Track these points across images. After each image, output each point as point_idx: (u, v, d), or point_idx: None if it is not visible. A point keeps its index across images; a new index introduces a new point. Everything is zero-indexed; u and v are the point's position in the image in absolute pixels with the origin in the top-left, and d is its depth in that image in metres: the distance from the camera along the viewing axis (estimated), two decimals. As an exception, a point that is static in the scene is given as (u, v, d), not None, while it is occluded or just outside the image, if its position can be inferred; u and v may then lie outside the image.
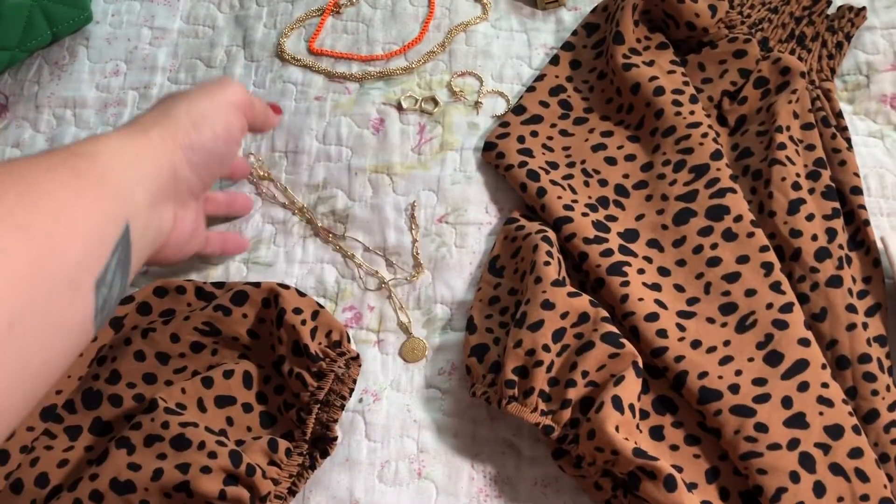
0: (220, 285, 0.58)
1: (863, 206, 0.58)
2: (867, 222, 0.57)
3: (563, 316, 0.52)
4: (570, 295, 0.53)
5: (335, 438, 0.53)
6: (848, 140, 0.61)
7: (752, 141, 0.62)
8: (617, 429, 0.48)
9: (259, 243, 0.62)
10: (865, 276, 0.56)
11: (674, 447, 0.52)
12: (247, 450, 0.51)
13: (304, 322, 0.53)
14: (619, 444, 0.47)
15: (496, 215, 0.62)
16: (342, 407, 0.53)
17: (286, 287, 0.54)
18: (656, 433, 0.52)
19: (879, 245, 0.57)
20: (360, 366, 0.55)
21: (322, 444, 0.53)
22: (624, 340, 0.52)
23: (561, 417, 0.50)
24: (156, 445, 0.50)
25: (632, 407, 0.50)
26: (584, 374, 0.51)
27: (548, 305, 0.52)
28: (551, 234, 0.57)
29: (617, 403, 0.49)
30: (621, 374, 0.50)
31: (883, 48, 0.66)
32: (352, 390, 0.54)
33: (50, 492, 0.51)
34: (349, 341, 0.55)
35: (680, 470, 0.50)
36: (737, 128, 0.64)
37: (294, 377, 0.53)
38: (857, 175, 0.59)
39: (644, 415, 0.53)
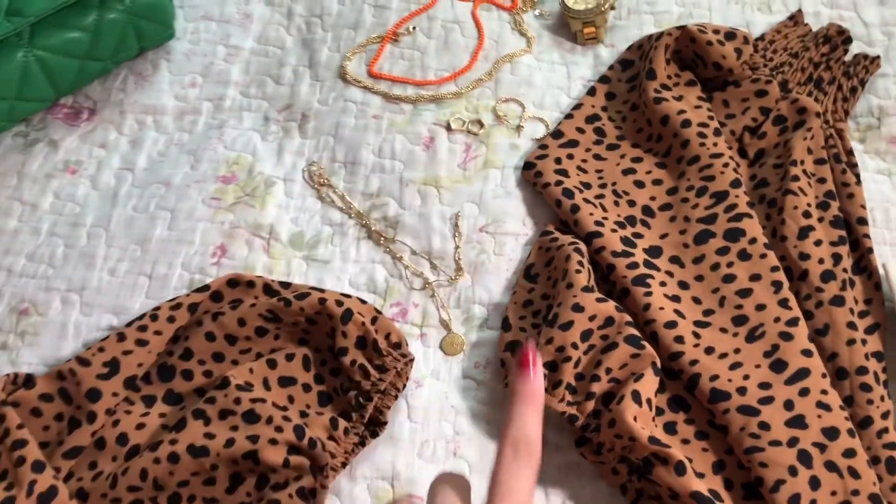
0: (286, 285, 0.64)
1: (867, 236, 0.64)
2: (871, 250, 0.63)
3: (591, 318, 0.59)
4: (598, 300, 0.59)
5: (386, 422, 0.59)
6: (857, 175, 0.67)
7: (769, 173, 0.68)
8: (635, 419, 0.54)
9: (318, 242, 0.69)
10: (867, 298, 0.62)
11: (685, 441, 0.58)
12: (310, 424, 0.57)
13: (371, 322, 0.60)
14: (636, 432, 0.53)
15: (532, 228, 0.68)
16: (396, 397, 0.60)
17: (348, 296, 0.61)
18: (670, 428, 0.58)
19: (881, 271, 0.62)
20: (412, 365, 0.61)
21: (373, 425, 0.60)
22: (645, 343, 0.58)
23: (585, 408, 0.56)
24: (229, 419, 0.57)
25: (649, 401, 0.56)
26: (608, 370, 0.57)
27: (578, 308, 0.59)
28: (582, 247, 0.63)
29: (636, 397, 0.55)
30: (641, 373, 0.56)
31: (895, 94, 0.72)
32: (405, 385, 0.60)
33: (129, 450, 0.58)
34: (408, 345, 0.62)
35: (690, 461, 0.56)
36: (756, 160, 0.70)
37: (357, 367, 0.59)
38: (863, 207, 0.65)
39: (659, 412, 0.59)
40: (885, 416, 0.57)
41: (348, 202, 0.71)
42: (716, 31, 0.72)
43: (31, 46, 0.69)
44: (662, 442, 0.53)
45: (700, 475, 0.56)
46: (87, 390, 0.59)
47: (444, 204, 0.70)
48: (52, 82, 0.72)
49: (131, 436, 0.59)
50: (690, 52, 0.72)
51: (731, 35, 0.72)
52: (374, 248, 0.68)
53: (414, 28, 0.80)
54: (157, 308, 0.63)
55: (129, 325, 0.62)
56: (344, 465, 0.58)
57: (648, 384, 0.56)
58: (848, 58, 0.74)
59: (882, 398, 0.58)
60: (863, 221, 0.65)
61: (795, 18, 0.76)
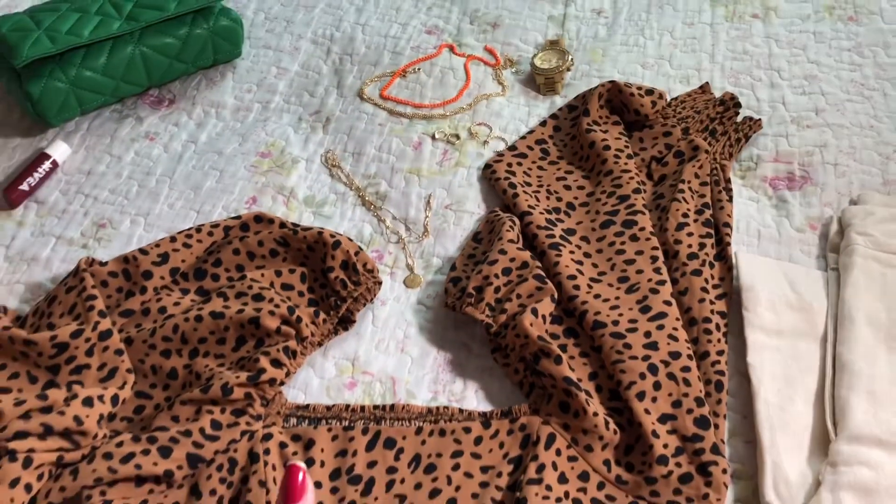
0: (296, 225, 0.87)
1: (729, 235, 0.86)
2: (729, 244, 0.85)
3: (511, 260, 0.80)
4: (519, 249, 0.81)
5: (354, 321, 0.81)
6: (730, 196, 0.89)
7: (667, 190, 0.91)
8: (531, 325, 0.75)
9: (324, 203, 0.92)
10: (721, 276, 0.83)
11: (572, 357, 0.78)
12: (300, 311, 0.78)
13: (353, 253, 0.82)
14: (529, 332, 0.74)
15: (484, 209, 0.91)
16: (364, 305, 0.81)
17: (340, 234, 0.83)
18: (562, 348, 0.78)
19: (734, 259, 0.84)
20: (380, 287, 0.83)
21: (345, 323, 0.81)
22: (548, 280, 0.79)
23: (498, 320, 0.77)
24: (242, 297, 0.79)
25: (544, 317, 0.77)
26: (518, 296, 0.78)
27: (502, 252, 0.81)
28: (516, 220, 0.86)
29: (534, 312, 0.76)
30: (542, 299, 0.78)
31: (769, 147, 0.95)
32: (372, 299, 0.82)
33: (166, 317, 0.79)
34: (378, 272, 0.84)
35: (573, 370, 0.76)
36: (658, 182, 0.93)
37: (338, 280, 0.81)
38: (730, 216, 0.87)
39: (556, 337, 0.79)
40: (719, 353, 0.77)
41: (351, 179, 0.94)
42: (638, 87, 0.96)
43: (139, 43, 0.96)
44: (547, 340, 0.74)
45: (578, 380, 0.76)
46: (143, 271, 0.81)
47: (422, 187, 0.93)
48: (148, 73, 0.99)
49: (169, 309, 0.80)
50: (618, 100, 0.96)
51: (649, 91, 0.96)
52: (365, 212, 0.92)
53: (419, 69, 1.06)
54: (202, 225, 0.85)
55: (179, 232, 0.85)
56: (320, 344, 0.79)
57: (546, 306, 0.77)
58: (739, 119, 0.98)
59: (719, 340, 0.78)
60: (728, 226, 0.87)
61: (703, 88, 1.01)
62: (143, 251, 0.83)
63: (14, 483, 0.66)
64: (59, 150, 0.95)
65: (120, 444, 0.70)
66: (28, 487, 0.67)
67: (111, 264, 0.82)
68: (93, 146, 0.98)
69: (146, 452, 0.70)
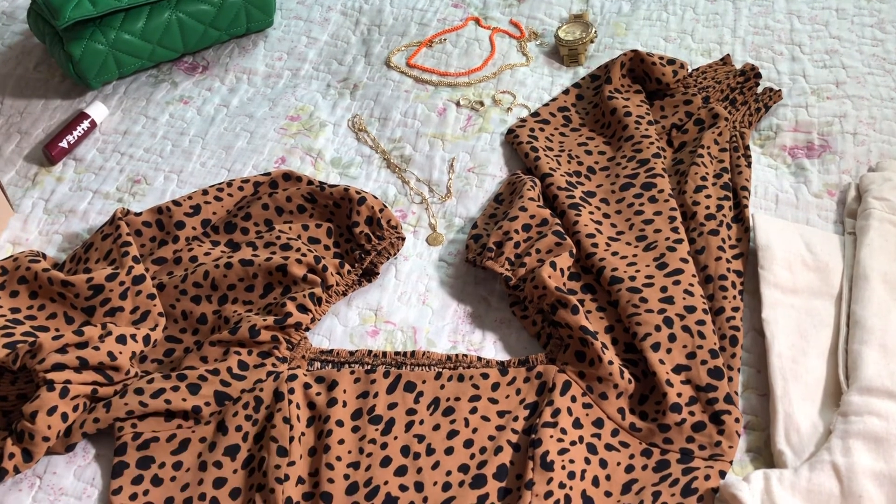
0: (323, 182, 0.90)
1: (746, 198, 0.87)
2: (746, 206, 0.86)
3: (532, 217, 0.82)
4: (539, 207, 0.83)
5: (377, 273, 0.83)
6: (749, 162, 0.91)
7: (686, 156, 0.92)
8: (549, 277, 0.77)
9: (351, 165, 0.95)
10: (738, 237, 0.85)
11: (588, 311, 0.80)
12: (325, 261, 0.81)
13: (378, 209, 0.84)
14: (547, 283, 0.76)
15: (506, 172, 0.93)
16: (388, 259, 0.84)
17: (365, 192, 0.86)
18: (581, 303, 0.80)
19: (751, 221, 0.85)
20: (403, 243, 0.85)
21: (369, 275, 0.83)
22: (566, 236, 0.81)
23: (517, 273, 0.80)
24: (270, 247, 0.82)
25: (562, 270, 0.79)
26: (538, 251, 0.80)
27: (523, 209, 0.83)
28: (537, 181, 0.88)
29: (553, 265, 0.78)
30: (560, 253, 0.79)
31: (789, 118, 0.97)
32: (395, 254, 0.84)
33: (197, 266, 0.82)
34: (401, 228, 0.86)
35: (590, 323, 0.78)
36: (678, 149, 0.94)
37: (363, 235, 0.83)
38: (748, 181, 0.89)
39: (573, 292, 0.81)
40: (734, 309, 0.78)
41: (377, 143, 0.97)
42: (660, 57, 0.98)
43: (175, 9, 0.99)
44: (564, 290, 0.76)
45: (595, 333, 0.78)
46: (175, 221, 0.85)
47: (446, 151, 0.95)
48: (183, 38, 1.02)
49: (200, 258, 0.83)
50: (640, 69, 0.98)
51: (671, 61, 0.98)
52: (390, 174, 0.94)
53: (445, 39, 1.08)
54: (233, 180, 0.88)
55: (211, 186, 0.88)
56: (344, 294, 0.82)
57: (564, 260, 0.79)
58: (759, 89, 0.99)
59: (735, 297, 0.79)
60: (745, 189, 0.88)
61: (725, 60, 1.02)
62: (176, 203, 0.86)
63: (51, 411, 0.69)
64: (98, 111, 0.99)
65: (151, 381, 0.73)
66: (64, 416, 0.70)
67: (145, 214, 0.85)
68: (129, 108, 1.02)
69: (176, 389, 0.73)
